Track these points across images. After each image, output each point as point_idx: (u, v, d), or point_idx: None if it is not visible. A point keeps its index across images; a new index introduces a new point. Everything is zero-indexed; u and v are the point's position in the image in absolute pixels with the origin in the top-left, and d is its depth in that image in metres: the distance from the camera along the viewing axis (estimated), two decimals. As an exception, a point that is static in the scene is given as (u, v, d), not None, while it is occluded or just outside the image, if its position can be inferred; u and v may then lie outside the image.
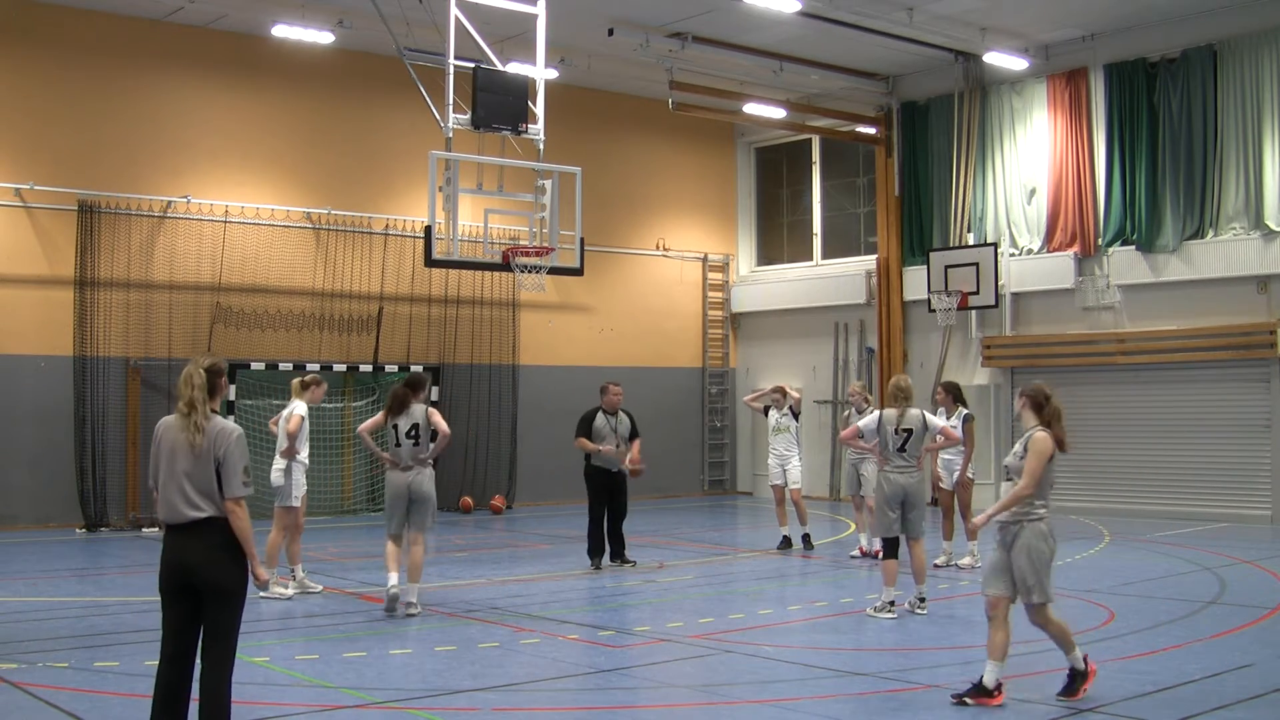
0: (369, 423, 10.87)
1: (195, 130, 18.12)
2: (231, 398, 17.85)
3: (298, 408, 11.24)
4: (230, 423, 5.93)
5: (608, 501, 13.22)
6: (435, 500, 10.48)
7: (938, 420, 11.41)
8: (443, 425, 10.40)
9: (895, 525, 10.28)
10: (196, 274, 17.88)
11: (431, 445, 10.44)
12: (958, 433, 11.91)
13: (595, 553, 13.20)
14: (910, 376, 20.53)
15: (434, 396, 19.60)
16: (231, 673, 5.88)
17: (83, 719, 6.92)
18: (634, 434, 13.34)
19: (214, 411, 5.92)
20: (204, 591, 5.78)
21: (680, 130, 22.47)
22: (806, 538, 14.52)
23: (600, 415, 13.16)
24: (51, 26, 17.08)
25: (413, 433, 10.35)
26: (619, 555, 13.36)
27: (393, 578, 10.28)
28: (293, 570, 11.36)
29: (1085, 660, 7.29)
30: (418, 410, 10.43)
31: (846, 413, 14.09)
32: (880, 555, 10.70)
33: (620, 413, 13.26)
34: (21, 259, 16.81)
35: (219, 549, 5.78)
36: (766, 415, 14.80)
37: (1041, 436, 7.38)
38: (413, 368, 19.23)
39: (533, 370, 20.96)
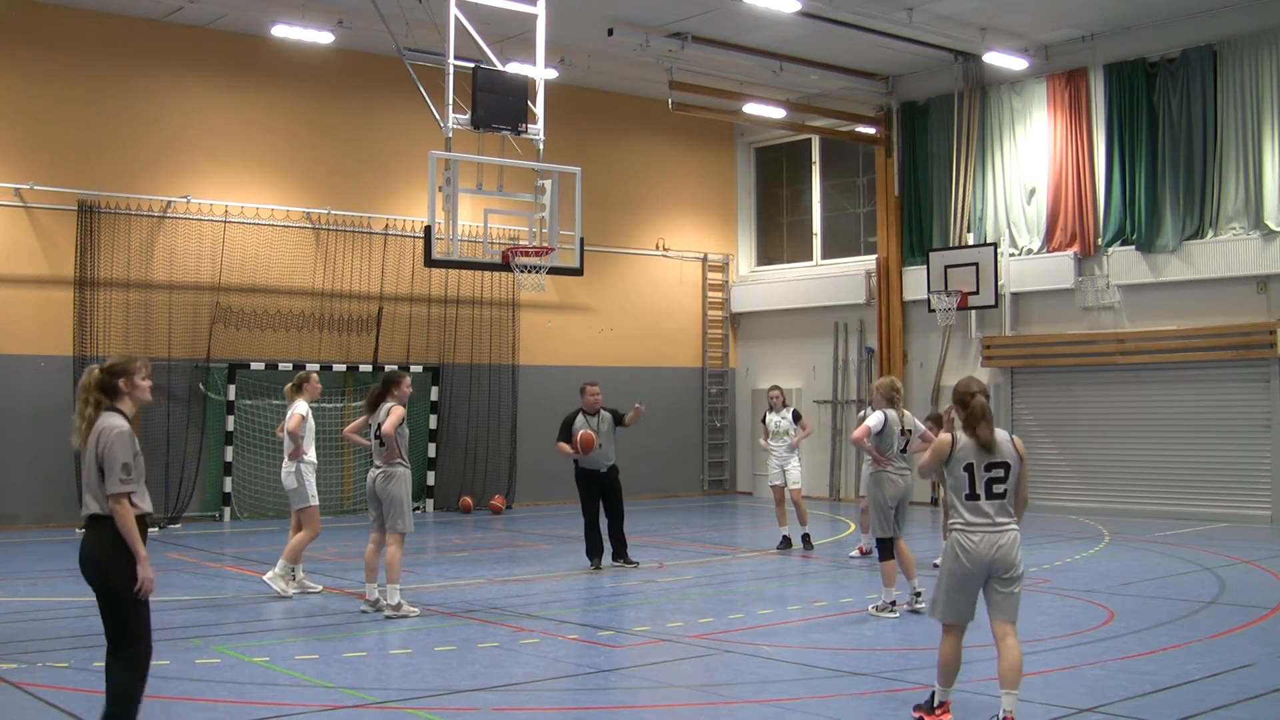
0: (353, 424, 11.01)
1: (195, 130, 18.12)
2: (231, 397, 17.90)
3: (298, 407, 11.26)
4: (117, 419, 5.89)
5: (600, 501, 13.20)
6: (402, 500, 10.26)
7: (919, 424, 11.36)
8: (385, 425, 10.22)
9: (892, 525, 10.30)
10: (196, 274, 17.88)
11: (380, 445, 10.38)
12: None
13: (593, 553, 13.20)
14: (909, 377, 20.74)
15: (434, 396, 19.66)
16: (140, 679, 5.85)
17: (82, 719, 6.92)
18: (618, 422, 13.24)
19: (117, 411, 5.92)
20: (96, 589, 5.84)
21: (680, 130, 22.47)
22: (806, 538, 14.52)
23: (580, 417, 13.15)
24: (51, 26, 17.08)
25: (378, 432, 10.36)
26: (621, 555, 13.34)
27: (370, 589, 10.38)
28: (293, 570, 11.37)
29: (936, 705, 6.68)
30: (384, 409, 10.40)
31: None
32: (878, 556, 10.67)
33: (601, 411, 13.23)
34: (21, 259, 16.81)
35: (103, 547, 5.82)
36: (765, 422, 14.76)
37: (942, 437, 6.73)
38: (412, 368, 19.25)
39: (533, 370, 20.96)
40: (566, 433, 13.08)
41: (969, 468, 6.49)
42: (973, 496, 6.49)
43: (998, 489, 6.50)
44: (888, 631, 9.58)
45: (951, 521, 6.59)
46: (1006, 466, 6.51)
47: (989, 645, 6.76)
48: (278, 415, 17.66)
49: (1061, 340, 18.92)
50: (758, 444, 15.22)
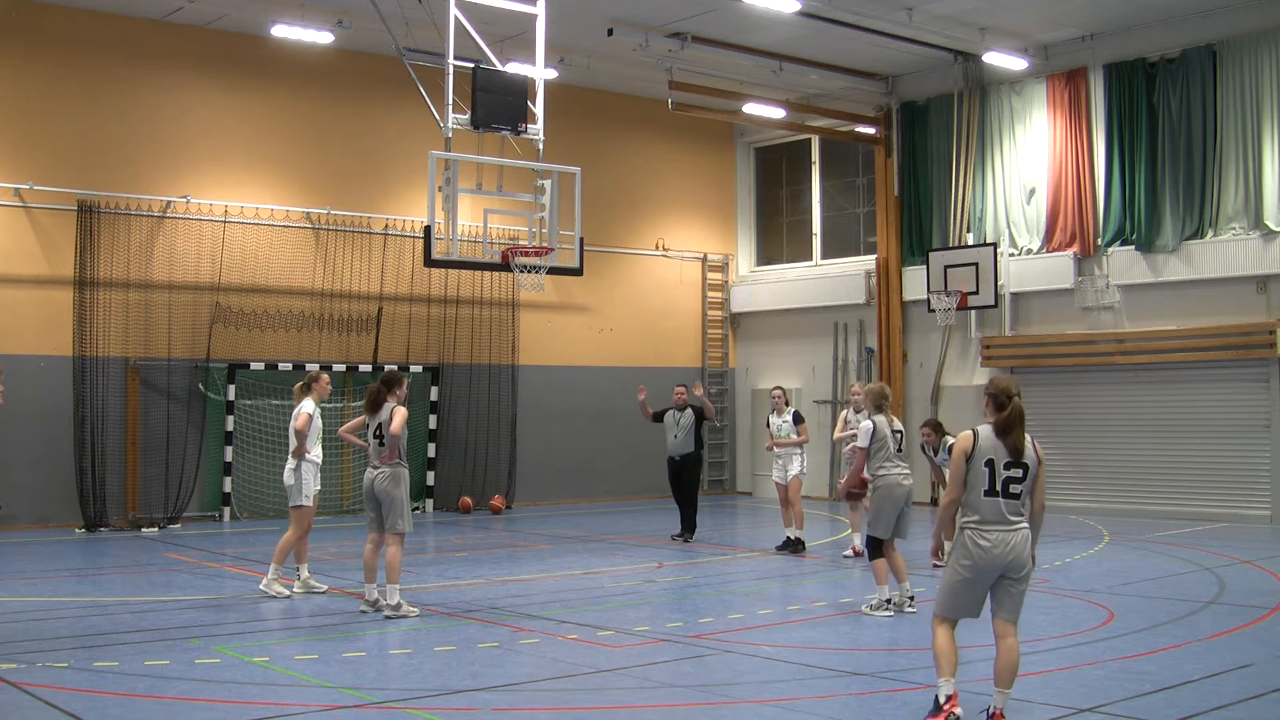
0: (350, 424, 11.00)
1: (195, 130, 18.12)
2: (231, 397, 17.89)
3: (305, 406, 11.26)
4: None
5: (676, 483, 15.69)
6: (403, 500, 10.21)
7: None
8: (393, 425, 10.17)
9: (892, 527, 10.35)
10: (196, 274, 17.88)
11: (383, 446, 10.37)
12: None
13: (684, 527, 15.62)
14: (909, 377, 20.78)
15: (433, 396, 19.66)
16: None
17: (82, 719, 6.93)
18: (700, 419, 15.54)
19: None
20: None
21: (680, 130, 22.47)
22: (800, 542, 14.34)
23: (671, 412, 15.69)
24: (51, 27, 17.08)
25: (379, 431, 10.33)
26: (686, 532, 15.66)
27: (370, 589, 10.37)
28: (298, 570, 11.38)
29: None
30: (386, 409, 10.36)
31: (843, 413, 14.08)
32: (868, 555, 10.69)
33: (689, 408, 15.57)
34: (21, 259, 16.81)
35: None
36: (768, 425, 14.82)
37: (962, 434, 6.67)
38: (412, 368, 19.25)
39: (532, 370, 20.96)
40: (659, 418, 15.79)
41: (990, 463, 6.50)
42: (991, 493, 6.49)
43: (1014, 488, 6.51)
44: (887, 631, 9.58)
45: (964, 519, 6.57)
46: (1025, 468, 6.53)
47: (988, 645, 6.76)
48: (278, 415, 17.72)
49: (1061, 340, 18.92)
50: (765, 447, 15.30)
